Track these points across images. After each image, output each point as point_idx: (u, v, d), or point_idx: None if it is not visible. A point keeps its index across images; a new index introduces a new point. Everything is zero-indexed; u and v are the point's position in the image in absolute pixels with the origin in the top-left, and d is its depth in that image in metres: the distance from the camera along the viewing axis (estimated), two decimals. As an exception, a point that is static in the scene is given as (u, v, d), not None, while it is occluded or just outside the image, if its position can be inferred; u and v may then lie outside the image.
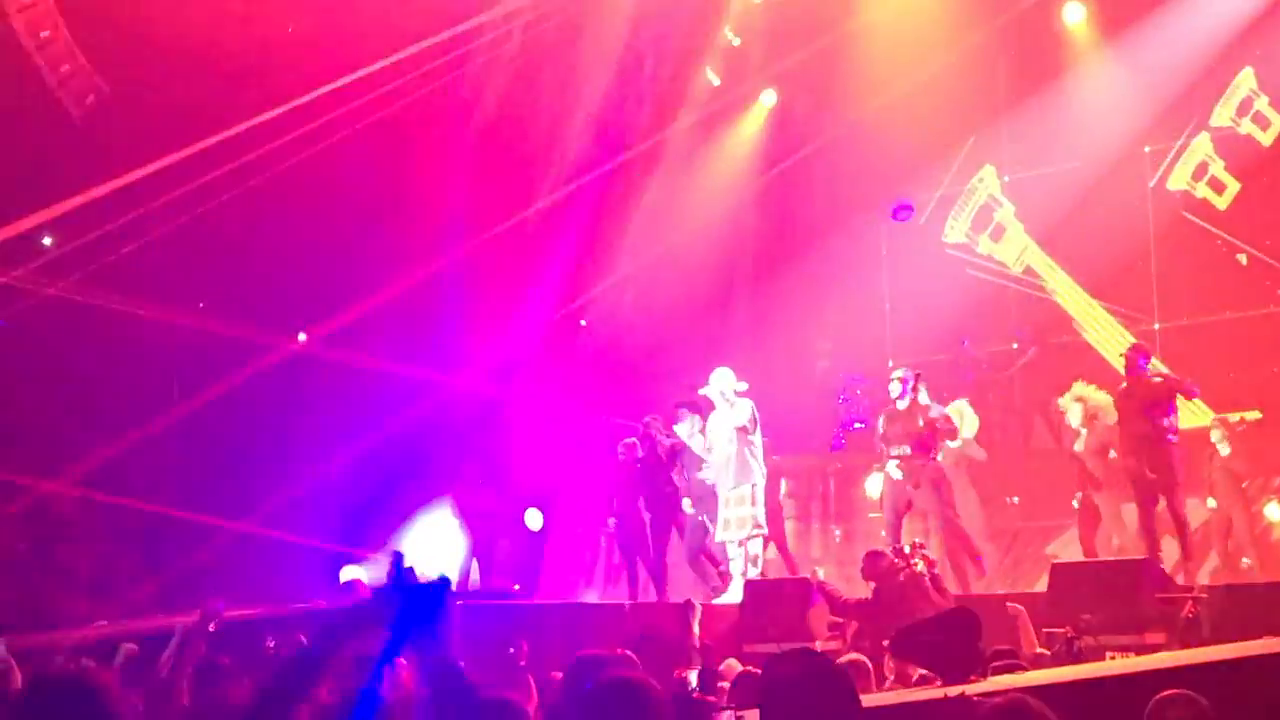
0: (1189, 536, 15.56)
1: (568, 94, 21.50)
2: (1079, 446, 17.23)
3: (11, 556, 17.54)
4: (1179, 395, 15.56)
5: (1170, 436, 15.31)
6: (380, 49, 17.07)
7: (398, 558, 3.80)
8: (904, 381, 16.55)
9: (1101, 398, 17.09)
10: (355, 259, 21.39)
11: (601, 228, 20.30)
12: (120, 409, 21.01)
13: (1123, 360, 16.08)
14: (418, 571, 3.78)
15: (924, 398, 16.61)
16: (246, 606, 14.77)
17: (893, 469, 16.55)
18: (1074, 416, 17.27)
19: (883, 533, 17.31)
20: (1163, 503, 15.41)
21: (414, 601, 3.71)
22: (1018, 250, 22.36)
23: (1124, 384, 15.96)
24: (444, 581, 3.79)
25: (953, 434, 17.79)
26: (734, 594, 16.38)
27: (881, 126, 21.57)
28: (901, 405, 16.55)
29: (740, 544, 17.03)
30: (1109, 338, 20.96)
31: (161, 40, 19.13)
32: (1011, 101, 22.12)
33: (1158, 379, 15.93)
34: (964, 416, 19.20)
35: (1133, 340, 18.67)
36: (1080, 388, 17.51)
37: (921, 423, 16.39)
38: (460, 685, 3.77)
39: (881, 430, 16.82)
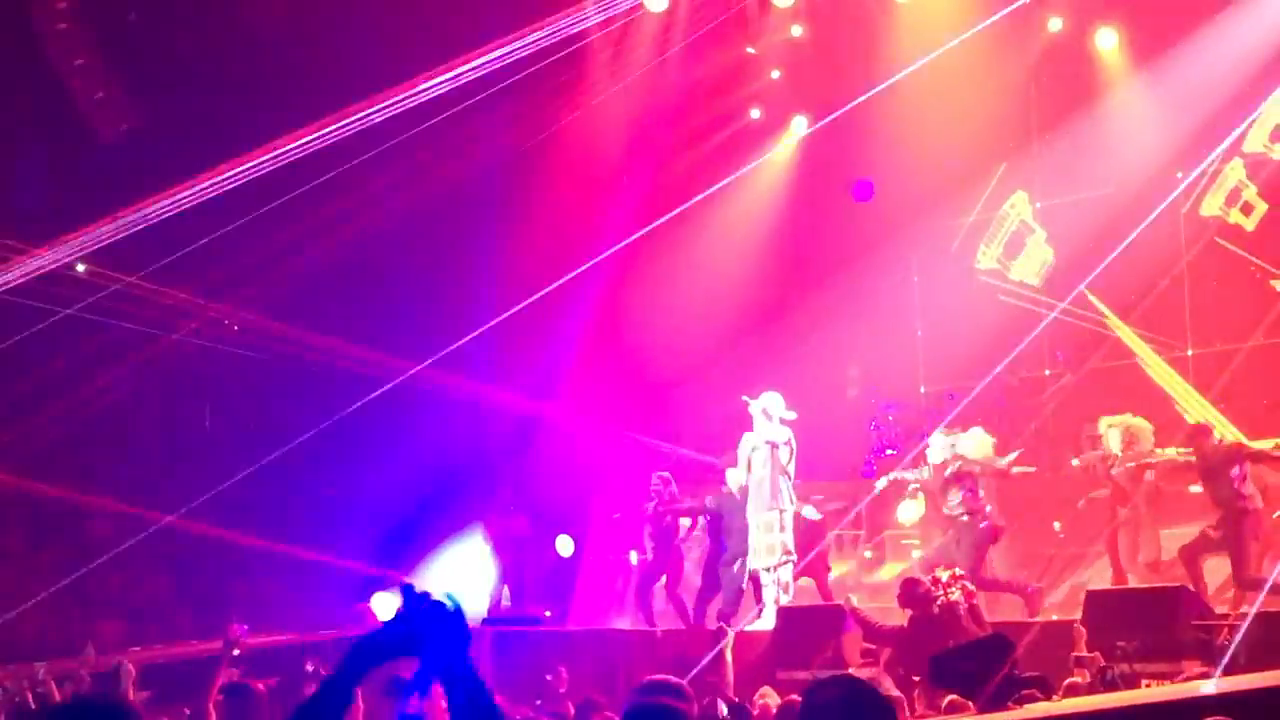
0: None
1: (608, 120, 21.53)
2: (1116, 470, 17.15)
3: (48, 581, 17.57)
4: None
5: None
6: (421, 77, 17.11)
7: (407, 589, 3.77)
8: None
9: (1138, 422, 17.07)
10: (389, 281, 21.44)
11: (636, 253, 20.28)
12: (153, 432, 21.12)
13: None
14: (434, 596, 3.75)
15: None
16: (277, 632, 14.81)
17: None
18: (1113, 441, 17.20)
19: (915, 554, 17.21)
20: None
21: (431, 627, 3.71)
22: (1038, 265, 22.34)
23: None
24: (456, 610, 3.76)
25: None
26: (766, 621, 16.33)
27: (913, 153, 21.52)
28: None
29: (771, 570, 16.97)
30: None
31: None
32: (1044, 127, 22.04)
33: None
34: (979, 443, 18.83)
35: None
36: (1113, 418, 17.47)
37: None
38: (490, 707, 3.76)
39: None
